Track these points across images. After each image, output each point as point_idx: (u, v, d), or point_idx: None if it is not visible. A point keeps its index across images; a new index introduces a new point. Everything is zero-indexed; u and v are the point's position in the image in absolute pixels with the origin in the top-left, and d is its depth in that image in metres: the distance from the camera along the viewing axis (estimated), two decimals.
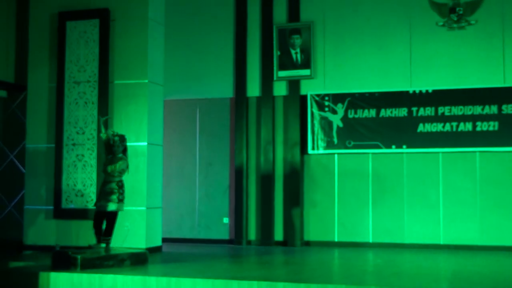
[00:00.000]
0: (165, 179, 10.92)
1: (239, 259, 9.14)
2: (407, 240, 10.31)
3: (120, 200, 8.17)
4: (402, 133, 10.37)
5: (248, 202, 10.91)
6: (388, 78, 10.54)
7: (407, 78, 10.48)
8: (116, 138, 8.16)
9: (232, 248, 10.41)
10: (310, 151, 10.70)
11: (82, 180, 9.65)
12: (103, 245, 8.15)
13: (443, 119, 10.28)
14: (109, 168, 8.10)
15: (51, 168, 9.84)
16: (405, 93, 10.42)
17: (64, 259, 7.86)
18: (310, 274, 7.62)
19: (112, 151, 8.18)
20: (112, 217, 8.21)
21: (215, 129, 11.23)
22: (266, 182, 10.80)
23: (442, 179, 10.27)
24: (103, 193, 8.14)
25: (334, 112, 10.66)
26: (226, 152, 11.16)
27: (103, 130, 8.34)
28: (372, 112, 10.51)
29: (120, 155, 8.18)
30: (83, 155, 9.68)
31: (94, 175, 9.55)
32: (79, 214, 9.55)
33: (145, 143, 9.49)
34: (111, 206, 8.10)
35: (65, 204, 9.67)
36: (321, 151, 10.67)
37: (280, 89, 10.94)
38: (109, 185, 8.13)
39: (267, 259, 9.09)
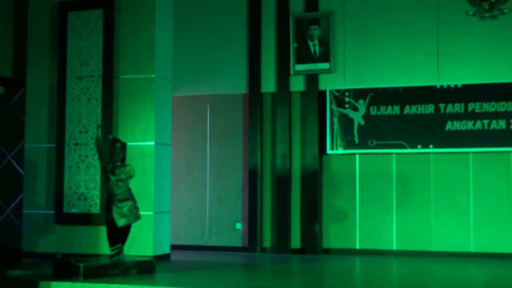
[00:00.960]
0: (173, 181, 10.93)
1: (253, 268, 9.11)
2: (435, 248, 10.25)
3: (137, 208, 8.15)
4: (429, 132, 10.31)
5: (263, 206, 10.88)
6: (413, 72, 10.47)
7: (434, 72, 10.40)
8: (118, 145, 8.13)
9: (246, 256, 10.39)
10: (329, 151, 10.65)
11: (85, 182, 9.66)
12: (122, 257, 8.13)
13: (474, 116, 10.19)
14: (118, 175, 8.04)
15: (51, 169, 9.86)
16: (432, 88, 10.35)
17: (66, 268, 7.88)
18: (330, 284, 7.60)
19: (109, 159, 8.11)
20: (126, 228, 8.20)
21: (227, 127, 11.20)
22: (282, 184, 10.77)
23: (472, 182, 10.19)
24: (116, 206, 8.09)
25: (355, 108, 10.61)
26: (239, 152, 11.13)
27: (100, 136, 8.26)
28: (396, 109, 10.45)
29: (119, 163, 8.14)
30: (86, 156, 9.69)
31: (98, 177, 9.57)
32: (82, 219, 9.56)
33: (153, 143, 9.48)
34: (121, 222, 8.08)
35: (67, 209, 9.68)
36: (341, 151, 10.62)
37: (297, 84, 10.90)
38: (119, 196, 8.09)
39: (283, 268, 9.07)
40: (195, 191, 11.25)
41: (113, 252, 8.10)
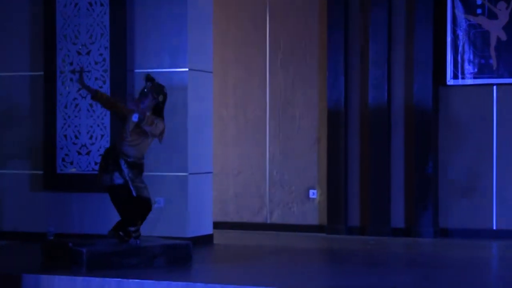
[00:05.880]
0: (217, 127, 11.02)
1: (335, 258, 9.28)
2: None
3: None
4: None
5: (349, 165, 10.97)
6: None
7: None
8: (148, 84, 8.25)
9: (325, 239, 10.55)
10: (450, 80, 10.64)
11: (88, 128, 9.81)
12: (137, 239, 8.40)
13: None
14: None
15: (38, 110, 10.04)
16: None
17: (62, 254, 8.11)
18: (452, 283, 7.66)
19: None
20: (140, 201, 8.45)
21: (296, 43, 11.23)
22: (377, 131, 10.81)
23: None
24: (133, 175, 8.31)
25: (493, 15, 10.56)
26: (313, 81, 11.18)
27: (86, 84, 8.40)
28: None
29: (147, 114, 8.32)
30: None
31: (107, 120, 9.71)
32: (84, 182, 9.74)
33: (186, 69, 9.58)
34: (144, 192, 8.33)
35: (62, 168, 9.89)
36: (469, 80, 10.60)
37: None
38: (137, 162, 8.32)
39: (380, 257, 9.20)
40: (249, 141, 11.38)
41: (135, 234, 8.34)
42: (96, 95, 8.39)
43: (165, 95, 8.39)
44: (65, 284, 7.65)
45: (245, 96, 11.43)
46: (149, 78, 8.39)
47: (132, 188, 8.24)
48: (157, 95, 8.33)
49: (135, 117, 8.23)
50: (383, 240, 10.40)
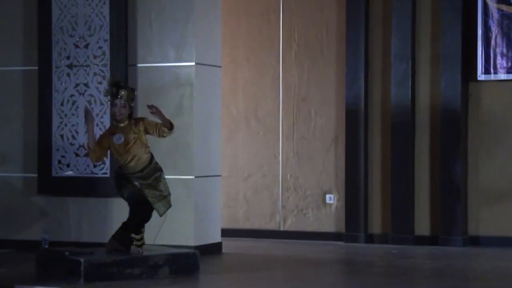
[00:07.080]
0: (226, 126, 11.09)
1: (353, 269, 9.28)
2: None
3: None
4: None
5: (369, 167, 11.00)
6: None
7: None
8: (123, 92, 8.19)
9: (342, 248, 10.57)
10: (481, 75, 10.65)
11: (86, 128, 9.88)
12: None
13: None
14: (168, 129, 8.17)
15: (32, 107, 10.10)
16: None
17: (57, 264, 8.14)
18: None
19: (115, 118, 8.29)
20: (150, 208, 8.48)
21: (312, 36, 11.26)
22: (400, 131, 10.82)
23: None
24: (150, 187, 8.32)
25: None
26: (330, 77, 11.20)
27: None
28: None
29: (125, 123, 8.22)
30: (87, 86, 9.83)
31: (106, 119, 9.71)
32: (82, 186, 9.80)
33: (192, 63, 9.62)
34: (163, 206, 8.37)
35: (58, 170, 9.94)
36: (502, 75, 10.60)
37: None
38: (148, 170, 8.33)
39: (404, 266, 9.20)
40: (260, 142, 11.39)
41: (139, 243, 8.40)
42: (91, 150, 8.30)
43: (135, 97, 8.40)
44: None
45: (257, 92, 11.46)
46: (120, 84, 8.30)
47: (150, 201, 8.31)
48: (132, 101, 8.30)
49: (118, 140, 8.24)
50: (407, 249, 10.41)
